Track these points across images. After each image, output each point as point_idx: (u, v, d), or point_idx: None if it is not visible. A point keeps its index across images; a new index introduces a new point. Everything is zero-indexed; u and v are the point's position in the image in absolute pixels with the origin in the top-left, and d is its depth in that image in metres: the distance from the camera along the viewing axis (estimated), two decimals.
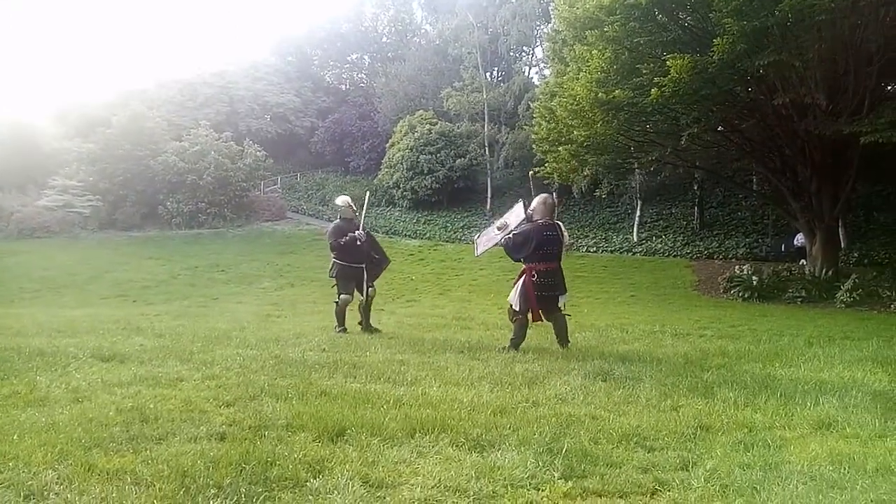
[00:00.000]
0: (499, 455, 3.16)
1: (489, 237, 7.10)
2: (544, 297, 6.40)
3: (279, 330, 8.09)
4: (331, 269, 7.96)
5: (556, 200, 6.74)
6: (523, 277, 6.41)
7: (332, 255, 7.91)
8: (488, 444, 3.35)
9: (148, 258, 23.32)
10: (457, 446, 3.31)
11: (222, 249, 25.41)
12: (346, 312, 7.96)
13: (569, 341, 6.57)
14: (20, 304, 15.35)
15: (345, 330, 7.78)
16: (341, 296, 7.80)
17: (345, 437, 3.38)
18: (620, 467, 3.07)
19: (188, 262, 22.59)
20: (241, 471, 2.84)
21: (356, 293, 7.86)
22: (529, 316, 6.46)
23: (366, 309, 7.97)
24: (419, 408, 3.95)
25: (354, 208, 8.12)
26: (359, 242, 7.69)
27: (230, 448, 3.11)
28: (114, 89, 37.28)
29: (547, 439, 3.39)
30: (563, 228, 6.58)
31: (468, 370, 5.26)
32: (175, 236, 29.00)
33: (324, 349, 6.31)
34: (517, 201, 7.02)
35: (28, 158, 31.67)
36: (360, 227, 7.84)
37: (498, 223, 6.98)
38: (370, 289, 7.88)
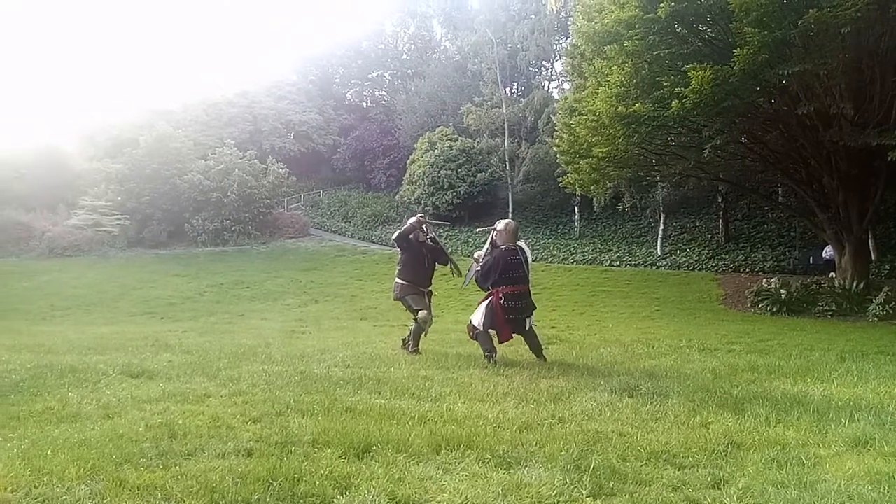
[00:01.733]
0: (526, 472, 3.12)
1: (471, 270, 7.21)
2: (513, 320, 6.54)
3: (304, 346, 8.13)
4: (394, 291, 7.49)
5: (517, 224, 6.95)
6: (490, 299, 6.54)
7: (397, 275, 7.50)
8: (515, 460, 3.32)
9: (174, 275, 23.70)
10: (483, 463, 3.28)
11: (247, 266, 25.73)
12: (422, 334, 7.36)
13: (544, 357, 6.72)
14: (51, 321, 15.68)
15: (418, 351, 7.23)
16: (419, 313, 7.21)
17: (371, 454, 3.38)
18: (650, 485, 3.01)
19: (214, 279, 22.91)
20: (269, 487, 2.86)
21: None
22: (491, 332, 6.55)
23: (417, 333, 7.49)
24: (444, 424, 3.93)
25: (425, 230, 7.72)
26: (423, 235, 7.50)
27: (258, 464, 3.13)
28: (141, 110, 38.23)
29: (574, 456, 3.35)
30: (526, 250, 6.74)
31: (493, 386, 5.23)
32: (201, 254, 29.47)
33: (348, 365, 6.33)
34: (492, 230, 7.00)
35: (58, 179, 32.61)
36: (428, 238, 7.61)
37: (476, 255, 7.13)
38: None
